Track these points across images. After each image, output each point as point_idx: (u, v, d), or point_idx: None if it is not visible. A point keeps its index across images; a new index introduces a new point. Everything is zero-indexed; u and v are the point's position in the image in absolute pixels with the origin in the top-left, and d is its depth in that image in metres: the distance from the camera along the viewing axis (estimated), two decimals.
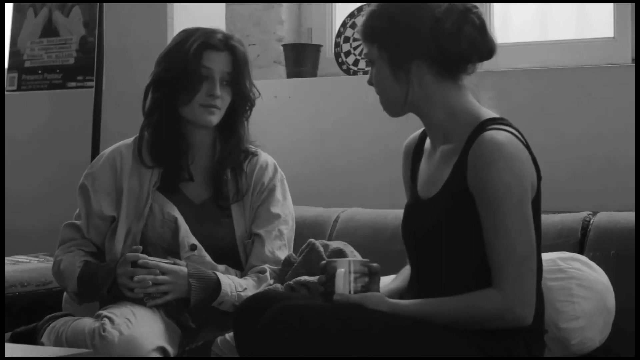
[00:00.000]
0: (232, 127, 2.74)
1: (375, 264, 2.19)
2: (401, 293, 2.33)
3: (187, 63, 2.65)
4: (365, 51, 2.27)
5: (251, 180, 2.75)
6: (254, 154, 2.78)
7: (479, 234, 2.11)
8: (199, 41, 2.67)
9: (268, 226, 2.71)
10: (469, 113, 2.21)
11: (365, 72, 3.51)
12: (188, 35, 2.70)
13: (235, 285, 2.58)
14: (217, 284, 2.56)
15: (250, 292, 2.56)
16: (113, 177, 2.74)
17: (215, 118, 2.69)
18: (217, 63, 2.67)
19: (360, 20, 3.48)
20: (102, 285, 2.58)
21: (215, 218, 2.71)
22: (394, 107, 2.26)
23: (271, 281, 2.64)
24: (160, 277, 2.54)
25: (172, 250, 2.65)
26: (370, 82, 2.28)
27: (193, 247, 2.65)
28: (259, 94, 2.77)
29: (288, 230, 2.76)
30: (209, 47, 2.67)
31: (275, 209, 2.74)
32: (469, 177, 2.12)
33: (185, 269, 2.57)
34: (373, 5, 2.25)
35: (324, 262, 2.23)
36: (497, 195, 2.08)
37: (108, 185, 2.74)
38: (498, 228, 2.08)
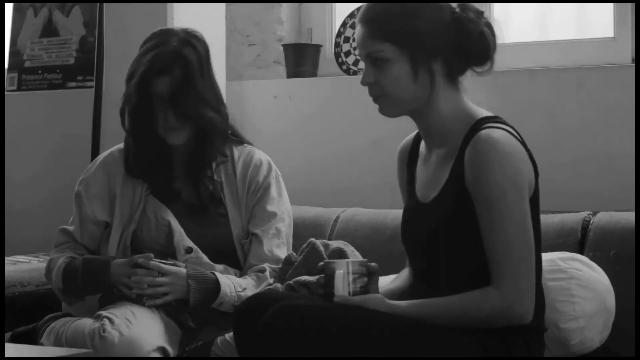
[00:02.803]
0: (202, 132, 2.69)
1: (373, 264, 2.19)
2: (401, 293, 2.33)
3: (137, 96, 2.61)
4: (372, 49, 2.19)
5: (245, 179, 2.73)
6: (225, 157, 2.73)
7: (480, 234, 2.11)
8: (143, 68, 2.60)
9: (265, 225, 2.70)
10: (465, 114, 2.21)
11: None
12: (140, 56, 2.63)
13: (235, 286, 2.58)
14: (217, 284, 2.56)
15: (249, 292, 2.56)
16: (106, 183, 2.74)
17: (179, 137, 2.66)
18: (164, 87, 2.60)
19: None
20: (101, 280, 2.58)
21: (211, 218, 2.70)
22: (400, 107, 2.22)
23: (271, 280, 2.63)
24: (159, 279, 2.54)
25: (168, 253, 2.65)
26: (365, 83, 2.22)
27: (189, 250, 2.64)
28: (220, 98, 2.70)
29: (285, 227, 2.75)
30: (155, 73, 2.59)
31: (271, 207, 2.73)
32: (466, 176, 2.12)
33: (184, 270, 2.56)
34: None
35: (322, 263, 2.22)
36: (493, 193, 2.08)
37: (101, 190, 2.74)
38: (495, 226, 2.08)
